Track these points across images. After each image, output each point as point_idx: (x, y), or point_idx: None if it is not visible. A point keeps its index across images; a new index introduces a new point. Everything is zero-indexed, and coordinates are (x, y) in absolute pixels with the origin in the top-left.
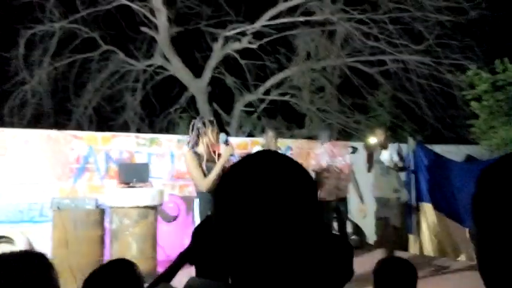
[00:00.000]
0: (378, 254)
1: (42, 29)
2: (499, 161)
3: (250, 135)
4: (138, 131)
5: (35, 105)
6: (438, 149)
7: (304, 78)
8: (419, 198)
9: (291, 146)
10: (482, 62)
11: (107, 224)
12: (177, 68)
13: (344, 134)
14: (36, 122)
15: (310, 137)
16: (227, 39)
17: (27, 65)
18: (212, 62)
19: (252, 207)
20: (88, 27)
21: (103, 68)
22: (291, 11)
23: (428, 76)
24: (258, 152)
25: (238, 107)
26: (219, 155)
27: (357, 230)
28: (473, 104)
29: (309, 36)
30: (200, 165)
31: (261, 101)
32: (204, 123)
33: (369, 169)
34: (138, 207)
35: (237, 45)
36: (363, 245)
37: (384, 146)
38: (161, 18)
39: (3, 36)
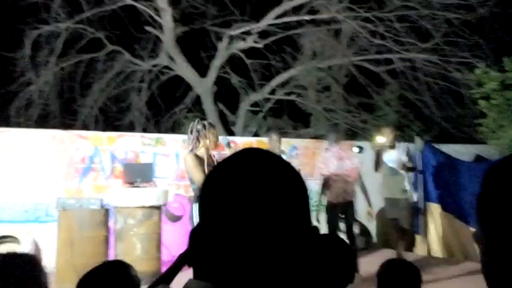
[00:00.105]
0: (385, 254)
1: (48, 29)
2: (502, 161)
3: (256, 134)
4: (144, 130)
5: (41, 105)
6: (446, 148)
7: (310, 77)
8: (427, 199)
9: (296, 146)
10: (491, 60)
11: (111, 224)
12: (183, 68)
13: (350, 134)
14: (42, 122)
15: (316, 137)
16: (232, 39)
17: (33, 65)
18: (217, 62)
19: (234, 206)
20: (93, 27)
21: (109, 68)
22: (297, 9)
23: (435, 75)
24: (243, 150)
25: (244, 106)
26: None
27: (364, 230)
28: (482, 102)
29: (315, 35)
30: (200, 166)
31: (267, 100)
32: (204, 126)
33: (377, 168)
34: (142, 207)
35: (242, 45)
36: (369, 246)
37: (391, 146)
38: (166, 18)
39: (9, 37)
